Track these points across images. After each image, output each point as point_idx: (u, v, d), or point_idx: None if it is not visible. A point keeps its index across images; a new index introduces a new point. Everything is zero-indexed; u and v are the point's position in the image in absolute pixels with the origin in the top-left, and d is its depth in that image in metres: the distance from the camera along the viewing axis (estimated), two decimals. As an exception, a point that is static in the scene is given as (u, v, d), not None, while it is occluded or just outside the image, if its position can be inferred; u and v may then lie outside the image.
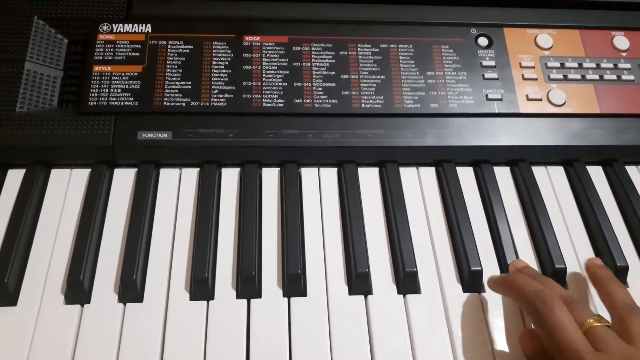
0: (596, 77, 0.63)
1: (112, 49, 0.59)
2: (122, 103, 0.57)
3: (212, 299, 0.49)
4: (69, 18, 0.61)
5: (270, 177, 0.57)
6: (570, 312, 0.42)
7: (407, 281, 0.50)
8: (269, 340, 0.47)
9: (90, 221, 0.52)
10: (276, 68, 0.60)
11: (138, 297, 0.49)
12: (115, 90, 0.57)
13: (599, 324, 0.42)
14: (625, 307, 0.44)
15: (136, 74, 0.58)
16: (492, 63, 0.62)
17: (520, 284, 0.45)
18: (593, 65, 0.63)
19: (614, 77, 0.63)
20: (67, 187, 0.55)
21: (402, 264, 0.51)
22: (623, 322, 0.43)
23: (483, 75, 0.61)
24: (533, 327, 0.44)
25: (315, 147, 0.57)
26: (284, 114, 0.58)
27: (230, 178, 0.57)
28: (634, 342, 0.41)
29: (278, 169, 0.58)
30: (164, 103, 0.57)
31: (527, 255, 0.54)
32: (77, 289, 0.48)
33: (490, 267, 0.52)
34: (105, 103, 0.57)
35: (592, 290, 0.51)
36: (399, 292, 0.50)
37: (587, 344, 0.40)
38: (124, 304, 0.48)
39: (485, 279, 0.51)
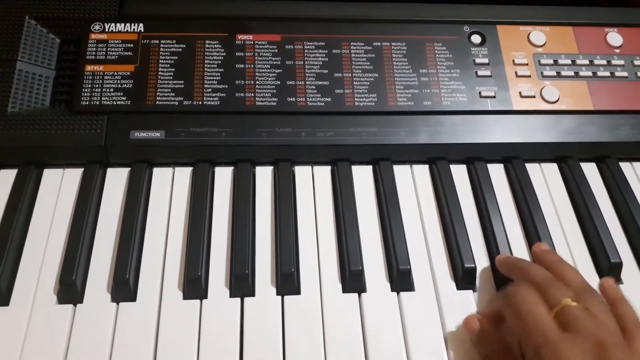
0: (589, 73, 0.63)
1: (104, 49, 0.59)
2: (114, 102, 0.57)
3: (206, 297, 0.49)
4: (60, 17, 0.60)
5: (264, 176, 0.57)
6: (547, 293, 0.42)
7: (400, 279, 0.50)
8: (263, 339, 0.47)
9: (82, 221, 0.51)
10: (269, 67, 0.59)
11: (131, 296, 0.48)
12: (108, 90, 0.57)
13: (574, 304, 0.41)
14: (633, 323, 0.43)
15: (128, 73, 0.58)
16: (485, 60, 0.62)
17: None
18: (586, 62, 0.63)
19: (607, 73, 0.63)
20: (59, 187, 0.55)
21: (396, 262, 0.51)
22: (629, 337, 0.42)
23: (476, 72, 0.61)
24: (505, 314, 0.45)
25: (308, 146, 0.57)
26: (277, 113, 0.58)
27: (223, 177, 0.57)
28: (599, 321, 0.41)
29: (271, 167, 0.58)
30: (157, 102, 0.57)
31: (520, 252, 0.54)
32: (70, 288, 0.48)
33: (483, 264, 0.53)
34: (97, 103, 0.56)
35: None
36: (392, 290, 0.50)
37: (553, 323, 0.40)
38: (117, 304, 0.48)
39: (478, 276, 0.51)
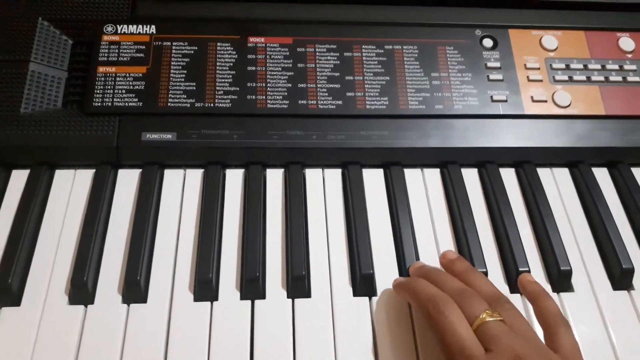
0: (601, 78, 0.62)
1: (116, 50, 0.59)
2: (126, 104, 0.57)
3: (216, 299, 0.49)
4: (73, 19, 0.61)
5: (275, 178, 0.57)
6: (463, 308, 0.42)
7: (411, 283, 0.50)
8: (273, 342, 0.47)
9: (94, 222, 0.52)
10: (280, 69, 0.60)
11: (142, 297, 0.49)
12: (120, 91, 0.57)
13: (491, 319, 0.41)
14: (554, 318, 0.43)
15: (140, 74, 0.58)
16: (497, 64, 0.62)
17: (416, 288, 0.45)
18: (598, 66, 0.63)
19: (620, 78, 0.63)
20: (71, 187, 0.55)
21: (407, 266, 0.50)
22: (552, 334, 0.42)
23: (488, 76, 0.61)
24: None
25: (319, 149, 0.57)
26: (289, 115, 0.58)
27: (234, 179, 0.57)
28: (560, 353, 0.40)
29: (282, 170, 0.58)
30: (169, 104, 0.57)
31: (532, 257, 0.53)
32: (81, 289, 0.48)
33: (495, 268, 0.52)
34: (109, 104, 0.57)
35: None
36: (403, 294, 0.50)
37: (478, 345, 0.39)
38: (128, 305, 0.48)
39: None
